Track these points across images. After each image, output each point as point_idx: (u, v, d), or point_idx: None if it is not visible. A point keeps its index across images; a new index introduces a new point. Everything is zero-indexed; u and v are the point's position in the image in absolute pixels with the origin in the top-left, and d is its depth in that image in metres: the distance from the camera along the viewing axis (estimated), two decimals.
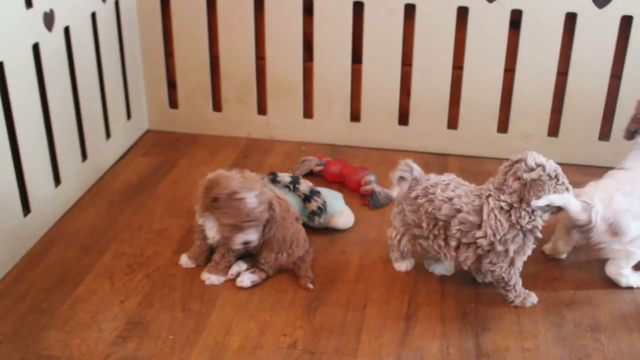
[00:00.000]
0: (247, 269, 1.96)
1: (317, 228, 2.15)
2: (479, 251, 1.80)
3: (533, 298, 1.88)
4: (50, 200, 2.18)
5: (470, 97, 2.58)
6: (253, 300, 1.89)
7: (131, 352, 1.70)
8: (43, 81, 2.11)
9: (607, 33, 2.41)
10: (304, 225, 2.09)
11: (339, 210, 2.17)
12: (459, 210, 1.79)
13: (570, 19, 2.42)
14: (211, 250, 1.99)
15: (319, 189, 2.16)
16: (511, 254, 1.78)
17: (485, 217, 1.76)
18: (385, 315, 1.84)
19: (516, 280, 1.85)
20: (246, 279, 1.93)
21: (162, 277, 1.97)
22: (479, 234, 1.77)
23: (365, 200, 2.33)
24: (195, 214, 1.92)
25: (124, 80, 2.63)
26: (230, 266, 1.96)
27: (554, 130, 2.59)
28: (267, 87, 2.71)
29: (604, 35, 2.42)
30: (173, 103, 2.82)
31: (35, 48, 2.06)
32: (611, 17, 2.38)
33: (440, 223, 1.81)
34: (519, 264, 1.82)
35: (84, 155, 2.38)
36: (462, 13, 2.48)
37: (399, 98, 2.64)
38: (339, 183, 2.44)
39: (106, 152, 2.53)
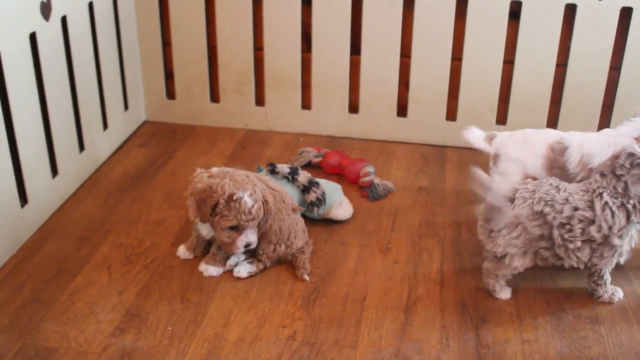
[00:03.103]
0: (245, 259, 1.95)
1: (316, 219, 2.15)
2: (593, 246, 1.78)
3: (619, 293, 1.88)
4: (48, 191, 2.17)
5: (469, 89, 2.58)
6: (252, 291, 1.88)
7: (130, 344, 1.69)
8: (40, 71, 2.09)
9: (606, 24, 2.40)
10: (303, 216, 2.08)
11: (338, 202, 2.16)
12: (576, 209, 1.76)
13: (570, 10, 2.41)
14: (209, 241, 1.98)
15: (318, 180, 2.15)
16: (626, 247, 1.79)
17: (599, 211, 1.74)
18: (385, 306, 1.84)
19: (608, 275, 1.85)
20: (243, 269, 1.92)
21: (161, 268, 1.96)
22: (593, 229, 1.75)
23: (364, 191, 2.33)
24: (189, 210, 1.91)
25: (121, 70, 2.61)
26: (228, 257, 1.95)
27: (553, 122, 2.58)
28: (265, 78, 2.70)
29: (603, 26, 2.41)
30: (170, 94, 2.81)
31: (32, 38, 2.05)
32: (611, 8, 2.37)
33: (567, 226, 1.76)
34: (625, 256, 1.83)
35: (81, 146, 2.37)
36: (462, 4, 2.47)
37: (397, 89, 2.63)
38: (338, 174, 2.43)
39: (103, 143, 2.51)
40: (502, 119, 2.61)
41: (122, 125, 2.66)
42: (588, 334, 1.76)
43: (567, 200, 1.76)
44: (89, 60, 2.36)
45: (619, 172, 1.73)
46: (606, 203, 1.73)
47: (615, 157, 1.76)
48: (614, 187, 1.73)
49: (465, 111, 2.61)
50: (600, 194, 1.74)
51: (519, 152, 2.00)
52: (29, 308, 1.80)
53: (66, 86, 2.23)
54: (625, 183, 1.72)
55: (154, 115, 2.83)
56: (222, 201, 1.79)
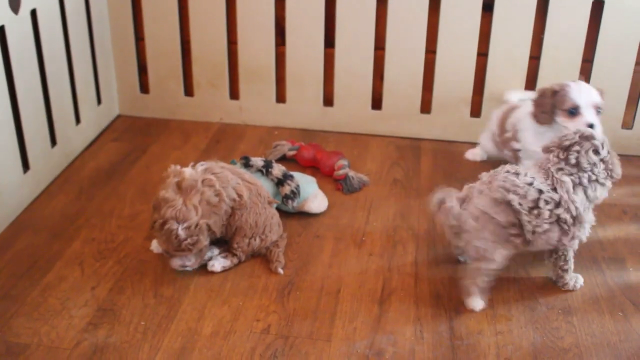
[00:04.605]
0: (219, 253, 1.94)
1: (291, 212, 2.14)
2: (564, 227, 1.77)
3: (580, 280, 1.90)
4: (19, 187, 2.15)
5: (444, 81, 2.58)
6: (226, 285, 1.87)
7: (102, 339, 1.68)
8: (10, 65, 2.07)
9: (579, 17, 2.41)
10: (277, 209, 2.07)
11: (313, 194, 2.16)
12: (541, 191, 1.75)
13: (543, 3, 2.42)
14: None
15: (292, 173, 2.14)
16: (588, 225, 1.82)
17: (563, 193, 1.75)
18: (359, 299, 1.84)
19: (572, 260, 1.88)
20: (217, 263, 1.91)
21: (134, 263, 1.95)
22: (561, 211, 1.75)
23: (338, 184, 2.32)
24: None
25: (94, 64, 2.59)
26: None
27: None
28: (239, 71, 2.69)
29: (576, 19, 2.42)
30: (144, 88, 2.79)
31: (1, 31, 2.02)
32: (583, 1, 2.39)
33: (536, 211, 1.74)
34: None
35: (53, 141, 2.34)
36: None
37: (372, 82, 2.63)
38: (313, 168, 2.43)
39: (76, 138, 2.49)
40: (476, 111, 2.62)
41: (95, 119, 2.63)
42: (561, 325, 1.77)
43: (530, 184, 1.75)
44: (60, 54, 2.33)
45: (566, 144, 1.78)
46: (568, 182, 1.76)
47: (563, 136, 1.82)
48: (566, 161, 1.77)
49: (439, 103, 2.62)
50: (560, 180, 1.76)
51: None
52: (0, 305, 1.78)
53: (37, 80, 2.21)
54: (578, 153, 1.77)
55: (128, 109, 2.81)
56: (158, 222, 1.78)
